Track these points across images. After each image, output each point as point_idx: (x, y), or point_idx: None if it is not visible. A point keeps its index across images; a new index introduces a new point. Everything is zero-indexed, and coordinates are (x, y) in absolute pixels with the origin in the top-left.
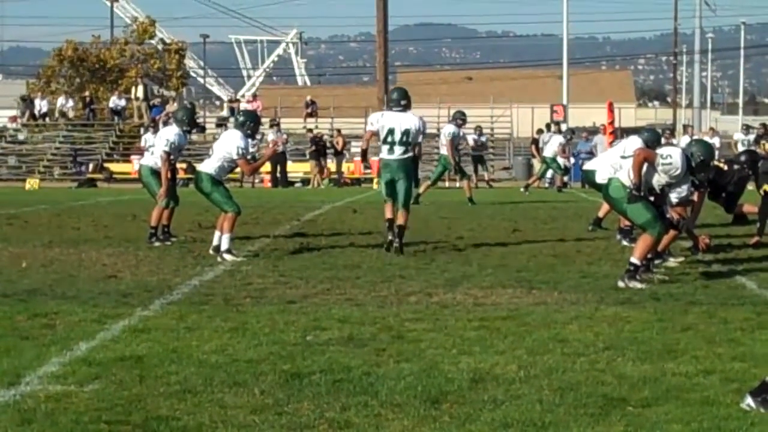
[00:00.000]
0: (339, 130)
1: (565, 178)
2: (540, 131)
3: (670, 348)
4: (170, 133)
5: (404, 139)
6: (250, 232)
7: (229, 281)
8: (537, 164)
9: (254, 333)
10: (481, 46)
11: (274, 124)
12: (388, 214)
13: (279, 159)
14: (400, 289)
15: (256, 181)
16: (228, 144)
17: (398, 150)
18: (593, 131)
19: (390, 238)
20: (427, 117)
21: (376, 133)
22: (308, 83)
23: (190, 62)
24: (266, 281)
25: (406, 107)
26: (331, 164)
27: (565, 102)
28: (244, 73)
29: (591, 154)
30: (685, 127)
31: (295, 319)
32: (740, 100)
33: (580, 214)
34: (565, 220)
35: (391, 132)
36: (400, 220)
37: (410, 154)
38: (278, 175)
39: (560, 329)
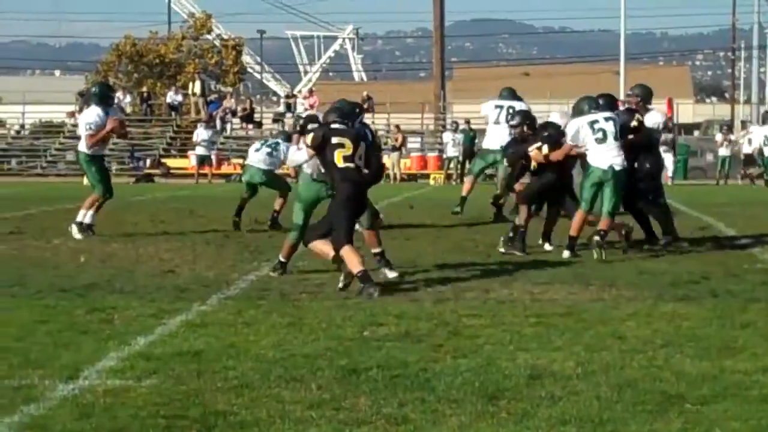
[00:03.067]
0: (398, 126)
1: None
2: None
3: (728, 345)
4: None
5: None
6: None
7: (285, 276)
8: None
9: (311, 328)
10: (537, 42)
11: None
12: None
13: None
14: (457, 284)
15: None
16: (83, 120)
17: None
18: None
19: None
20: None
21: None
22: (365, 79)
23: (246, 58)
24: (323, 276)
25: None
26: (387, 160)
27: (622, 98)
28: (301, 68)
29: None
30: (743, 123)
31: (352, 314)
32: None
33: None
34: (622, 216)
35: None
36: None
37: None
38: None
39: (618, 326)
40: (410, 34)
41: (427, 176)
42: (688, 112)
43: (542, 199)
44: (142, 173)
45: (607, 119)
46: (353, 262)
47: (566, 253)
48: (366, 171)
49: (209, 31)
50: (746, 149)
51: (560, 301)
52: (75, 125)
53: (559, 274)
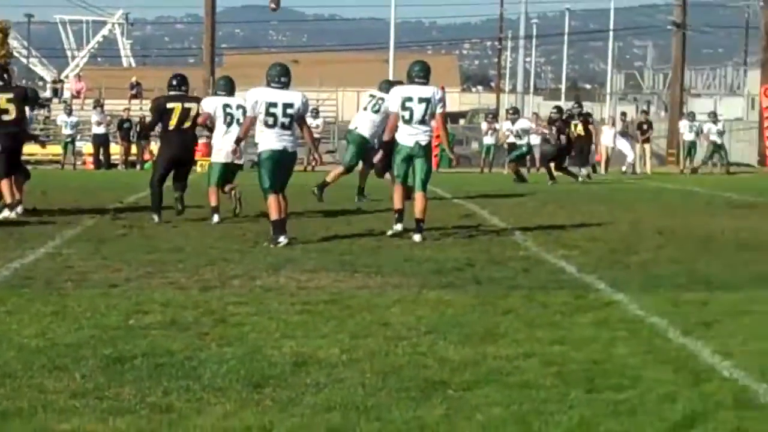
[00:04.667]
0: None
1: None
2: None
3: (490, 331)
4: None
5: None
6: (72, 215)
7: (50, 264)
8: None
9: (75, 317)
10: (308, 29)
11: (98, 105)
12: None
13: (101, 141)
14: (223, 272)
15: (78, 163)
16: None
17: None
18: None
19: None
20: None
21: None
22: (133, 64)
23: (13, 42)
24: (88, 264)
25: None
26: (156, 146)
27: None
28: (69, 53)
29: None
30: (507, 111)
31: (117, 302)
32: (563, 86)
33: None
34: (389, 203)
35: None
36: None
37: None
38: (101, 157)
39: (383, 313)
40: (180, 19)
41: (195, 162)
42: (454, 100)
43: None
44: None
45: (421, 100)
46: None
47: (417, 237)
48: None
49: None
50: (512, 138)
51: (326, 289)
52: None
53: (325, 262)
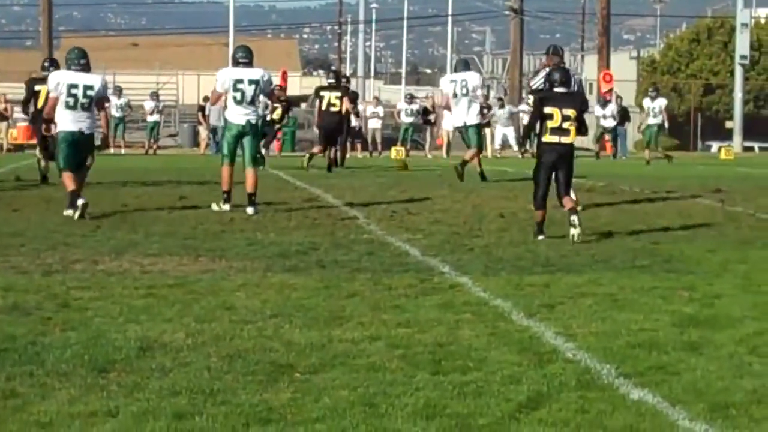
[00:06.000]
0: (5, 95)
1: None
2: (206, 99)
3: (336, 315)
4: None
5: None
6: None
7: None
8: (203, 132)
9: None
10: (147, 12)
11: None
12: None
13: None
14: (66, 256)
15: None
16: None
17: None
18: None
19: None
20: None
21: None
22: None
23: None
24: None
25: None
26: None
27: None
28: None
29: None
30: None
31: None
32: (403, 70)
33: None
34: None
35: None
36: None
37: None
38: None
39: (228, 296)
40: (17, 1)
41: (34, 147)
42: (295, 84)
43: None
44: None
45: (251, 82)
46: None
47: (250, 210)
48: None
49: None
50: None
51: (170, 273)
52: None
53: (168, 246)
